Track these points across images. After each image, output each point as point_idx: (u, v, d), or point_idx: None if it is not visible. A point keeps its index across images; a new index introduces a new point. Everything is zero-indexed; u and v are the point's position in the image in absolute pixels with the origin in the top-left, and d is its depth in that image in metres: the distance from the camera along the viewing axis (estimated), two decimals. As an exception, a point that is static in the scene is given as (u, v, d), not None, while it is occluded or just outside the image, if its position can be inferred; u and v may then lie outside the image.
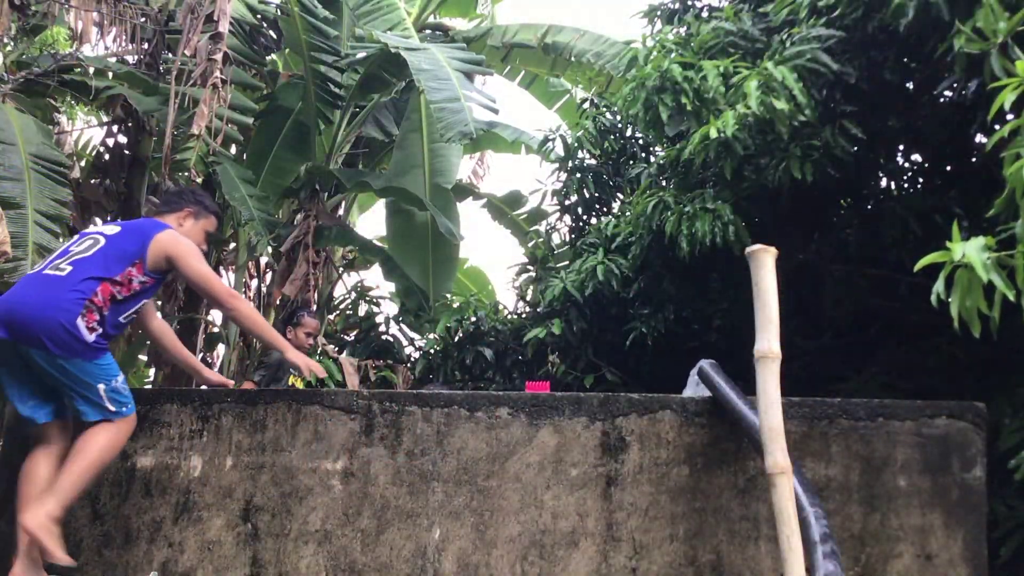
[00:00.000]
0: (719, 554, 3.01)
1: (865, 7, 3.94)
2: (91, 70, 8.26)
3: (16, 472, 3.27)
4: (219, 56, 6.36)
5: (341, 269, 10.16)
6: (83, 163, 10.25)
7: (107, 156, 9.18)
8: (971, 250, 2.60)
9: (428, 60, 7.28)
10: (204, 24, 6.46)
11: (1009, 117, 3.09)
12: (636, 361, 5.69)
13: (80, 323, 2.92)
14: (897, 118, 4.41)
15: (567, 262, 6.50)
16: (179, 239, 3.22)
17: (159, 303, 8.14)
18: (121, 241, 3.15)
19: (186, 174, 6.84)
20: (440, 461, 3.13)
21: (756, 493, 3.05)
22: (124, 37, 7.58)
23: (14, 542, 3.14)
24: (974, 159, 4.62)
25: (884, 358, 4.79)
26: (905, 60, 4.25)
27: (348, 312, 8.52)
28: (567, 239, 6.74)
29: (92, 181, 9.60)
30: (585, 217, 6.52)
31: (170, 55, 7.94)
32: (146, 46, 7.95)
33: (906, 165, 5.09)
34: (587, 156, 6.45)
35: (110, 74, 8.31)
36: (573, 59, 8.94)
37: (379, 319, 8.03)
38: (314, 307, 7.78)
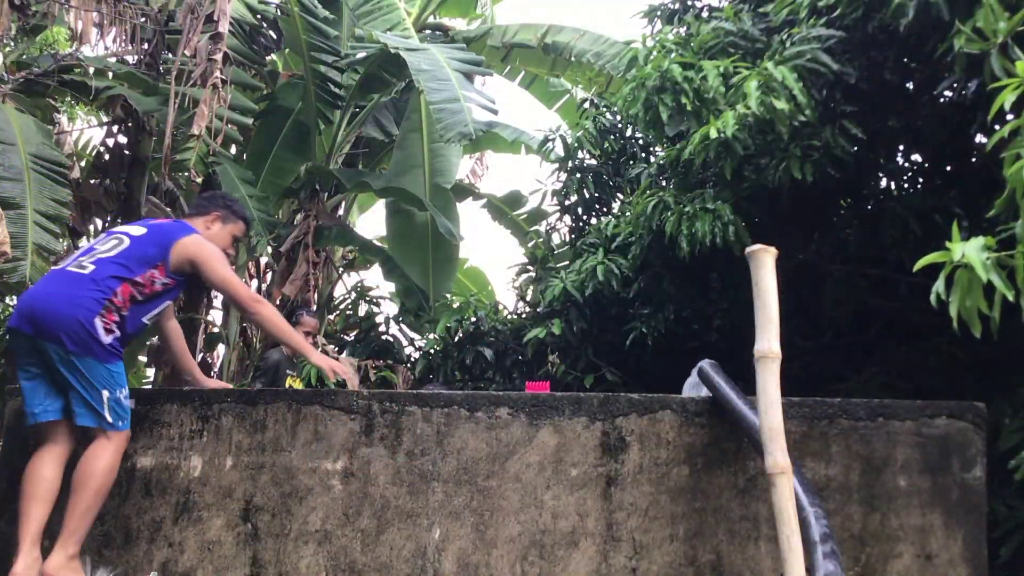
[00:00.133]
0: (719, 554, 3.01)
1: (865, 7, 3.94)
2: (91, 70, 8.27)
3: (16, 472, 3.27)
4: (219, 56, 6.36)
5: (341, 269, 10.17)
6: (83, 163, 10.25)
7: (107, 156, 9.17)
8: (971, 250, 2.60)
9: (428, 60, 7.29)
10: (204, 24, 6.46)
11: (1009, 117, 3.09)
12: (636, 361, 5.69)
13: (98, 322, 2.96)
14: (897, 118, 4.41)
15: (567, 262, 6.49)
16: (203, 244, 3.25)
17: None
18: (145, 243, 3.19)
19: (186, 174, 6.84)
20: (440, 461, 3.13)
21: (756, 493, 3.05)
22: (124, 37, 7.58)
23: (14, 542, 3.14)
24: (974, 159, 4.61)
25: (884, 358, 4.79)
26: (905, 60, 4.25)
27: (348, 312, 8.52)
28: (567, 239, 6.74)
29: (92, 181, 9.60)
30: (585, 217, 6.52)
31: (170, 55, 7.94)
32: (146, 46, 7.95)
33: (906, 165, 5.09)
34: (587, 156, 6.44)
35: (110, 74, 8.31)
36: (573, 59, 8.94)
37: (379, 319, 8.03)
38: (314, 307, 7.79)
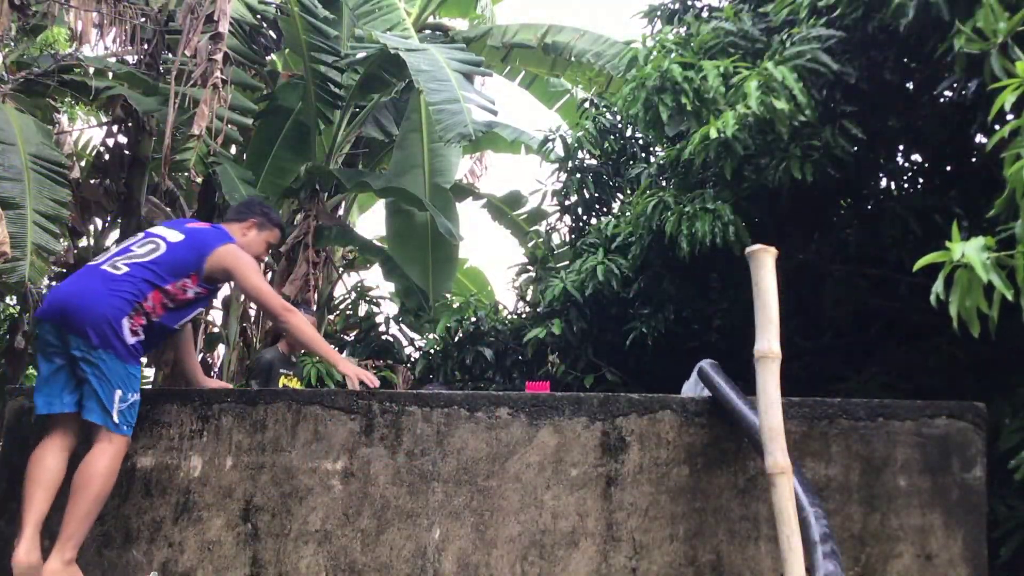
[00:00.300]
0: (719, 554, 3.01)
1: (865, 7, 3.94)
2: (91, 70, 8.27)
3: (16, 472, 3.27)
4: (219, 56, 6.36)
5: (341, 269, 10.17)
6: (83, 163, 10.25)
7: (107, 156, 9.18)
8: (971, 250, 2.60)
9: (427, 61, 7.29)
10: (204, 24, 6.46)
11: (1009, 117, 3.09)
12: (636, 361, 5.69)
13: (125, 323, 3.00)
14: (897, 118, 4.41)
15: (567, 262, 6.50)
16: (238, 255, 3.28)
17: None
18: (182, 250, 3.21)
19: (186, 174, 6.84)
20: (440, 461, 3.13)
21: (756, 493, 3.05)
22: (124, 37, 7.58)
23: (14, 542, 3.14)
24: (974, 159, 4.62)
25: (884, 358, 4.79)
26: (905, 60, 4.25)
27: (348, 312, 8.52)
28: (567, 239, 6.74)
29: (92, 181, 9.60)
30: (585, 217, 6.52)
31: (170, 55, 7.94)
32: (146, 46, 7.95)
33: (906, 165, 5.10)
34: (587, 156, 6.45)
35: (110, 74, 8.31)
36: (573, 59, 8.94)
37: (379, 319, 8.04)
38: (314, 307, 7.78)
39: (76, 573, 2.89)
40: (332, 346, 3.44)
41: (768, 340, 2.59)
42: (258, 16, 7.75)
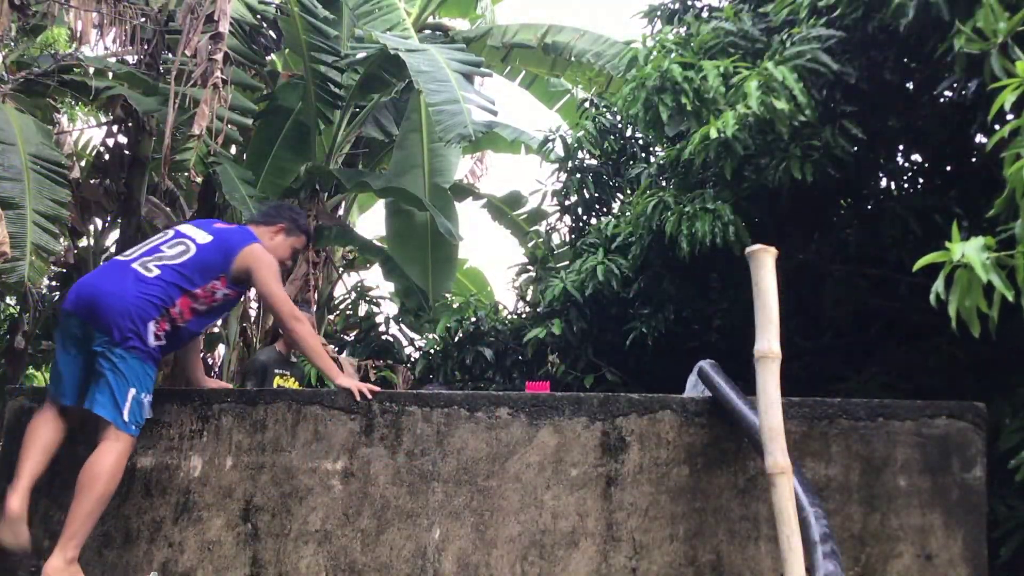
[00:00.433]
0: (719, 554, 3.01)
1: (865, 7, 3.94)
2: (91, 70, 8.27)
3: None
4: (219, 56, 6.36)
5: (341, 269, 10.17)
6: (83, 163, 10.25)
7: (107, 156, 9.19)
8: (971, 250, 2.60)
9: (427, 62, 7.29)
10: (204, 24, 6.46)
11: (1009, 117, 3.09)
12: (636, 361, 5.69)
13: (151, 327, 3.04)
14: (897, 118, 4.41)
15: (567, 262, 6.49)
16: (260, 255, 3.29)
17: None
18: (209, 252, 3.23)
19: (186, 174, 6.84)
20: (440, 461, 3.13)
21: (756, 493, 3.05)
22: (124, 37, 7.58)
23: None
24: (974, 159, 4.62)
25: (884, 358, 4.79)
26: (905, 60, 4.25)
27: (348, 312, 8.52)
28: (567, 239, 6.74)
29: (92, 181, 9.61)
30: (585, 217, 6.52)
31: (170, 55, 7.94)
32: (146, 46, 7.95)
33: (906, 165, 5.10)
34: (587, 156, 6.45)
35: (110, 74, 8.32)
36: (573, 59, 8.94)
37: (379, 319, 8.03)
38: (314, 307, 7.78)
39: (77, 572, 2.89)
40: (333, 362, 3.44)
41: (768, 340, 2.59)
42: (258, 16, 7.75)
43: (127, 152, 9.02)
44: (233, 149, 9.05)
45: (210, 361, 10.62)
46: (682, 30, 5.23)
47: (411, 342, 7.93)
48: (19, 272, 5.58)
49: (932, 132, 4.49)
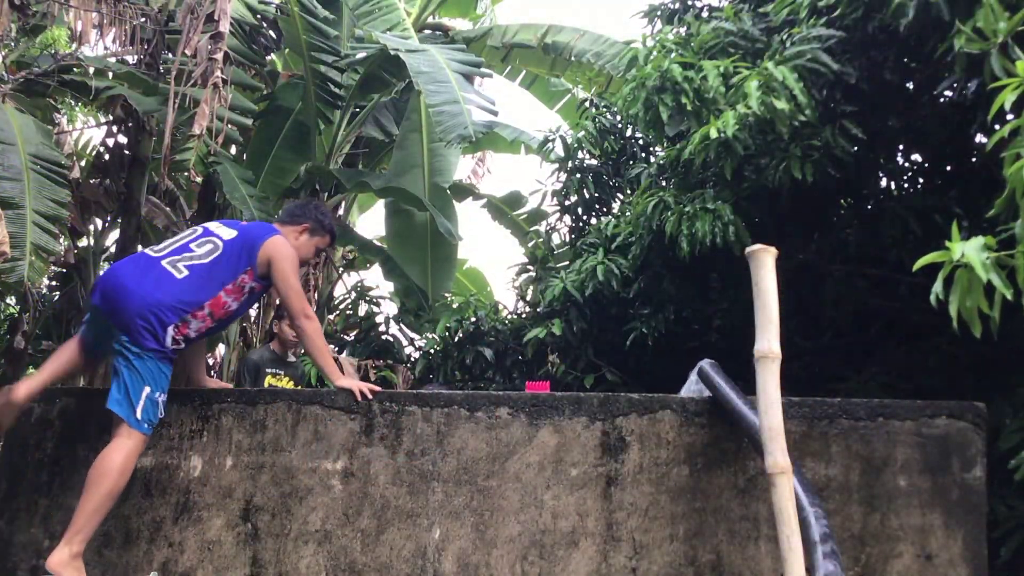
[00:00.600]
0: (719, 554, 3.01)
1: (865, 7, 3.94)
2: (91, 70, 8.27)
3: (16, 472, 3.27)
4: (219, 56, 6.35)
5: (341, 269, 10.17)
6: (83, 163, 10.25)
7: (107, 156, 9.18)
8: (971, 250, 2.60)
9: (427, 62, 7.29)
10: (204, 24, 6.45)
11: (1009, 117, 3.09)
12: (636, 361, 5.68)
13: (170, 331, 3.07)
14: (897, 118, 4.41)
15: (567, 262, 6.49)
16: (282, 247, 3.31)
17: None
18: (235, 247, 3.26)
19: (186, 174, 6.83)
20: (440, 461, 3.13)
21: (756, 493, 3.05)
22: (124, 37, 7.57)
23: (14, 542, 3.15)
24: (974, 159, 4.62)
25: (884, 358, 4.79)
26: (905, 60, 4.25)
27: (348, 312, 8.52)
28: (567, 239, 6.74)
29: (92, 181, 9.60)
30: (585, 217, 6.52)
31: (170, 55, 7.94)
32: (146, 46, 7.95)
33: (906, 165, 5.10)
34: (587, 156, 6.45)
35: (110, 74, 8.31)
36: (573, 59, 8.94)
37: (379, 319, 8.03)
38: (314, 307, 7.78)
39: (80, 568, 2.89)
40: (335, 362, 3.45)
41: (768, 340, 2.59)
42: (258, 16, 7.75)
43: (127, 152, 9.02)
44: (233, 149, 9.05)
45: (210, 361, 10.61)
46: (682, 30, 5.24)
47: (411, 342, 7.93)
48: (19, 272, 5.58)
49: (932, 132, 4.49)
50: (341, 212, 9.77)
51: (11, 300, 10.91)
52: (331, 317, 9.45)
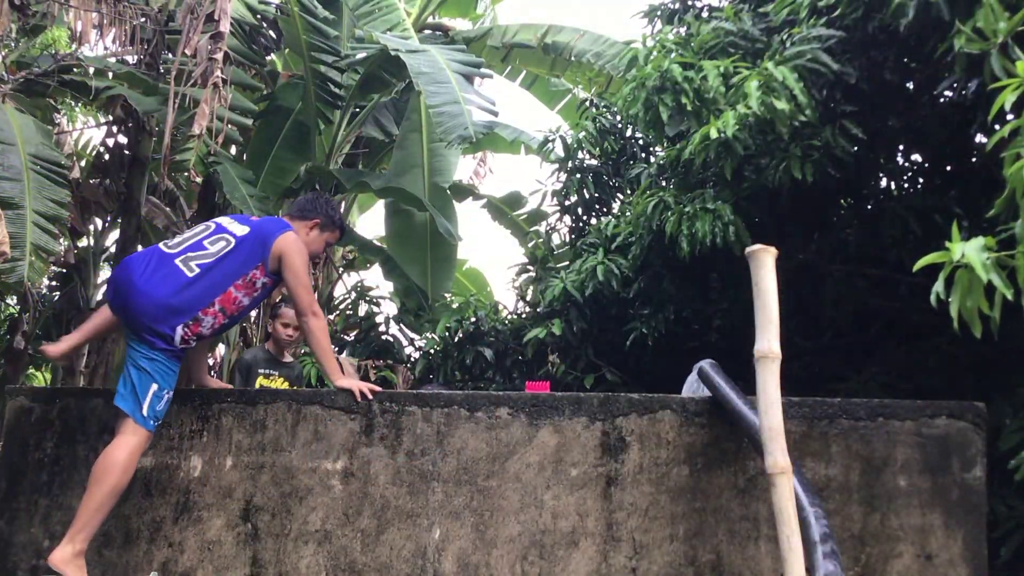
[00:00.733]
0: (719, 554, 3.01)
1: (865, 7, 3.94)
2: (91, 70, 8.26)
3: (16, 472, 3.27)
4: (219, 56, 6.35)
5: (341, 269, 10.17)
6: (83, 163, 10.25)
7: (107, 156, 9.18)
8: (971, 250, 2.60)
9: (427, 63, 7.28)
10: (204, 24, 6.45)
11: (1009, 117, 3.09)
12: (636, 361, 5.68)
13: (179, 331, 3.08)
14: (897, 118, 4.41)
15: (567, 262, 6.49)
16: (294, 243, 3.33)
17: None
18: (247, 243, 3.27)
19: (186, 174, 6.83)
20: (440, 461, 3.13)
21: (756, 493, 3.05)
22: (124, 37, 7.57)
23: (14, 542, 3.15)
24: (974, 159, 4.62)
25: (884, 358, 4.79)
26: (905, 60, 4.25)
27: (348, 312, 8.51)
28: (567, 239, 6.74)
29: (92, 181, 9.61)
30: (585, 217, 6.52)
31: (170, 55, 7.93)
32: (146, 46, 7.95)
33: (906, 165, 5.10)
34: (587, 156, 6.44)
35: (110, 74, 8.31)
36: (573, 59, 8.94)
37: (379, 319, 8.02)
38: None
39: (82, 567, 2.89)
40: (336, 362, 3.45)
41: (768, 340, 2.59)
42: (258, 16, 7.75)
43: (127, 152, 9.02)
44: (233, 149, 9.05)
45: (210, 361, 10.61)
46: (682, 30, 5.23)
47: (411, 342, 7.92)
48: (19, 272, 5.58)
49: (932, 132, 4.49)
50: (341, 212, 9.77)
51: (11, 300, 10.90)
52: (331, 317, 9.44)
